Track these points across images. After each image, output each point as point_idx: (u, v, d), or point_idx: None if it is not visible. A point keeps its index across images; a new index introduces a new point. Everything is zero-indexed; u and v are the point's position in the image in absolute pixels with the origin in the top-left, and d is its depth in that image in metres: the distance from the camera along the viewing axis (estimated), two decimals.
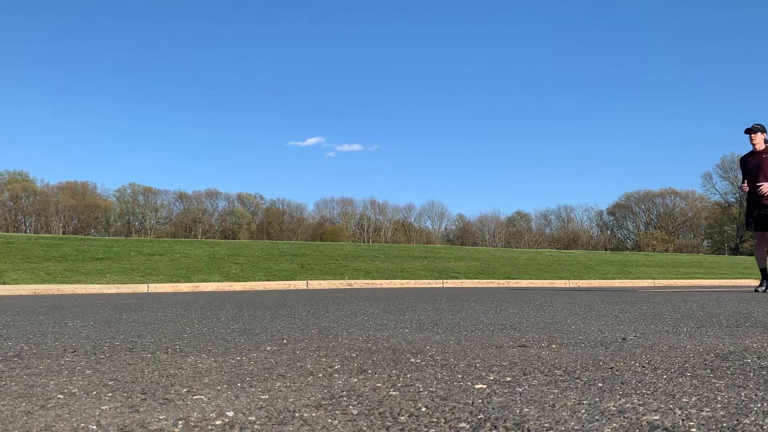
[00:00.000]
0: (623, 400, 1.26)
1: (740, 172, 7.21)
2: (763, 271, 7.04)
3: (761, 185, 6.84)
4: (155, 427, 1.08)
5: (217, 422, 1.11)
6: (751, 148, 7.04)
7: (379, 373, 1.60)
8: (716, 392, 1.34)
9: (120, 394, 1.36)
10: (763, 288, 6.98)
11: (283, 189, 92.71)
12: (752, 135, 6.98)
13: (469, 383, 1.46)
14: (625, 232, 67.04)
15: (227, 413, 1.18)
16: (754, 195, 6.97)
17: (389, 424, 1.09)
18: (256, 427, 1.08)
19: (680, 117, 78.97)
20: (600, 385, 1.42)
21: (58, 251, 12.45)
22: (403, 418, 1.14)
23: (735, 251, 57.62)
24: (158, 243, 16.09)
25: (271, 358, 1.86)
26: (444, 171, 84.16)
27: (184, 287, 8.99)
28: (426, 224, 70.12)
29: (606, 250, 54.03)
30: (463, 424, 1.09)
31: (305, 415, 1.16)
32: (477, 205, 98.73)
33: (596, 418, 1.12)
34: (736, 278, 13.98)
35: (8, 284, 8.38)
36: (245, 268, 11.60)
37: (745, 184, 7.10)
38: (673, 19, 77.03)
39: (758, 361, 1.76)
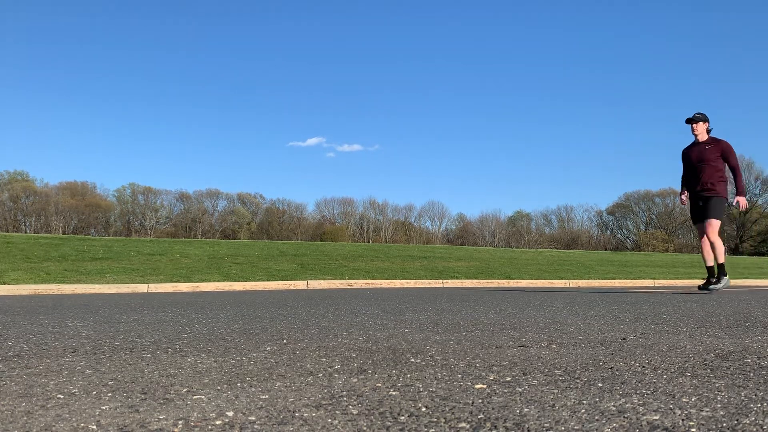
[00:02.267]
0: (623, 400, 1.26)
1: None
2: (710, 269, 6.61)
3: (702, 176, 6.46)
4: (155, 427, 1.08)
5: (217, 422, 1.11)
6: (693, 139, 6.66)
7: (379, 373, 1.60)
8: (716, 392, 1.34)
9: (120, 394, 1.36)
10: (707, 288, 6.54)
11: (283, 189, 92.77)
12: (694, 125, 6.58)
13: (469, 383, 1.46)
14: (625, 232, 67.08)
15: (227, 413, 1.18)
16: (695, 188, 6.59)
17: (389, 424, 1.09)
18: (256, 427, 1.08)
19: (680, 117, 78.89)
20: (600, 385, 1.42)
21: (58, 251, 12.45)
22: (403, 418, 1.14)
23: (735, 251, 57.63)
24: (158, 243, 16.09)
25: (271, 358, 1.86)
26: (444, 171, 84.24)
27: (184, 287, 8.99)
28: (426, 224, 70.17)
29: (606, 250, 54.05)
30: (463, 424, 1.09)
31: (305, 415, 1.16)
32: (477, 205, 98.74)
33: (596, 418, 1.12)
34: (736, 278, 13.98)
35: (8, 284, 8.38)
36: (245, 268, 11.60)
37: (684, 197, 6.79)
38: (673, 21, 77.12)
39: (758, 361, 1.76)
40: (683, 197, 6.83)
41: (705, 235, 6.53)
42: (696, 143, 6.64)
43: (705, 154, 6.52)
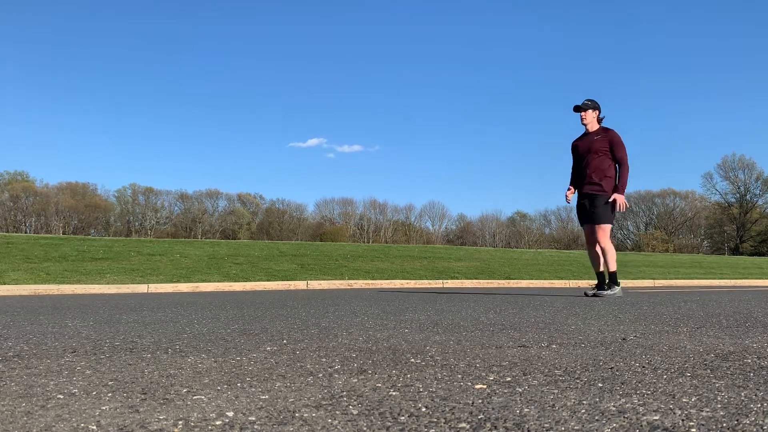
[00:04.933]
0: (623, 400, 1.26)
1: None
2: (599, 275, 5.99)
3: (587, 169, 5.84)
4: (155, 427, 1.08)
5: (217, 422, 1.11)
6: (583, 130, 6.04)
7: (379, 373, 1.60)
8: (716, 392, 1.34)
9: (120, 394, 1.36)
10: (593, 292, 5.90)
11: (283, 189, 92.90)
12: (582, 113, 5.92)
13: (469, 383, 1.45)
14: (625, 233, 67.08)
15: (227, 413, 1.18)
16: (580, 184, 5.99)
17: (389, 424, 1.09)
18: (256, 427, 1.08)
19: (679, 117, 79.03)
20: (600, 385, 1.42)
21: (58, 251, 12.45)
22: (403, 418, 1.14)
23: (735, 251, 57.62)
24: (158, 243, 16.09)
25: (271, 359, 1.86)
26: (445, 171, 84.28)
27: (184, 287, 8.99)
28: (426, 224, 70.20)
29: None
30: (463, 425, 1.09)
31: (305, 415, 1.16)
32: (477, 206, 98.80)
33: (596, 418, 1.12)
34: (736, 278, 13.99)
35: (8, 284, 8.38)
36: (245, 268, 11.60)
37: (570, 191, 6.11)
38: (672, 18, 77.12)
39: (758, 361, 1.76)
40: (568, 194, 6.14)
41: (594, 240, 5.94)
42: (585, 134, 6.02)
43: (592, 146, 5.88)
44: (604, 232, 5.82)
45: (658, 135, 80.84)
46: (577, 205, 6.11)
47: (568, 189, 6.16)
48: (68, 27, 75.57)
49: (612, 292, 5.80)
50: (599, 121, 6.01)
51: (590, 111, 5.95)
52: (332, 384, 1.46)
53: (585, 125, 5.99)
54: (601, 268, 5.98)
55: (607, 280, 5.91)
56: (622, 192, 5.83)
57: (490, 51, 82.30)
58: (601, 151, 5.84)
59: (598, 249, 5.94)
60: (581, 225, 6.11)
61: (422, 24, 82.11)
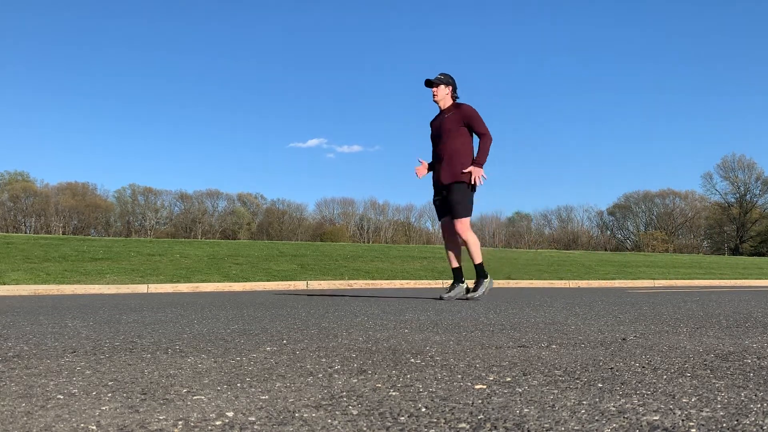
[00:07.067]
0: (623, 400, 1.26)
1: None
2: (455, 270, 5.40)
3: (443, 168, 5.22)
4: (155, 427, 1.08)
5: (217, 422, 1.11)
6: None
7: (379, 373, 1.60)
8: (716, 392, 1.34)
9: (120, 394, 1.36)
10: (452, 294, 5.30)
11: (283, 189, 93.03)
12: (434, 89, 5.28)
13: (469, 383, 1.45)
14: (625, 233, 67.13)
15: (227, 413, 1.18)
16: (436, 173, 5.35)
17: (389, 424, 1.09)
18: (256, 427, 1.08)
19: (679, 117, 79.02)
20: (600, 385, 1.42)
21: (57, 252, 12.45)
22: (403, 418, 1.13)
23: (735, 251, 57.62)
24: (158, 243, 16.08)
25: (270, 359, 1.86)
26: None
27: (183, 287, 8.99)
28: (426, 224, 70.22)
29: (606, 250, 54.06)
30: (463, 425, 1.08)
31: (305, 415, 1.16)
32: (477, 206, 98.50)
33: (596, 418, 1.12)
34: (736, 278, 13.99)
35: (8, 284, 8.38)
36: (245, 269, 11.60)
37: (420, 166, 5.47)
38: (671, 16, 77.09)
39: (758, 362, 1.76)
40: (417, 169, 5.49)
41: (452, 234, 5.36)
42: (439, 113, 5.39)
43: (443, 126, 5.24)
44: (464, 225, 5.21)
45: (658, 135, 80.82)
46: (434, 195, 5.44)
47: (419, 165, 5.51)
48: (68, 27, 75.59)
49: (481, 292, 5.26)
50: (454, 98, 5.37)
51: (443, 86, 5.30)
52: (332, 384, 1.46)
53: (437, 102, 5.34)
54: (457, 264, 5.41)
55: (475, 276, 5.32)
56: (480, 165, 5.19)
57: (490, 51, 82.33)
58: (454, 131, 5.20)
59: (456, 245, 5.41)
60: (439, 219, 5.46)
61: (422, 24, 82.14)
